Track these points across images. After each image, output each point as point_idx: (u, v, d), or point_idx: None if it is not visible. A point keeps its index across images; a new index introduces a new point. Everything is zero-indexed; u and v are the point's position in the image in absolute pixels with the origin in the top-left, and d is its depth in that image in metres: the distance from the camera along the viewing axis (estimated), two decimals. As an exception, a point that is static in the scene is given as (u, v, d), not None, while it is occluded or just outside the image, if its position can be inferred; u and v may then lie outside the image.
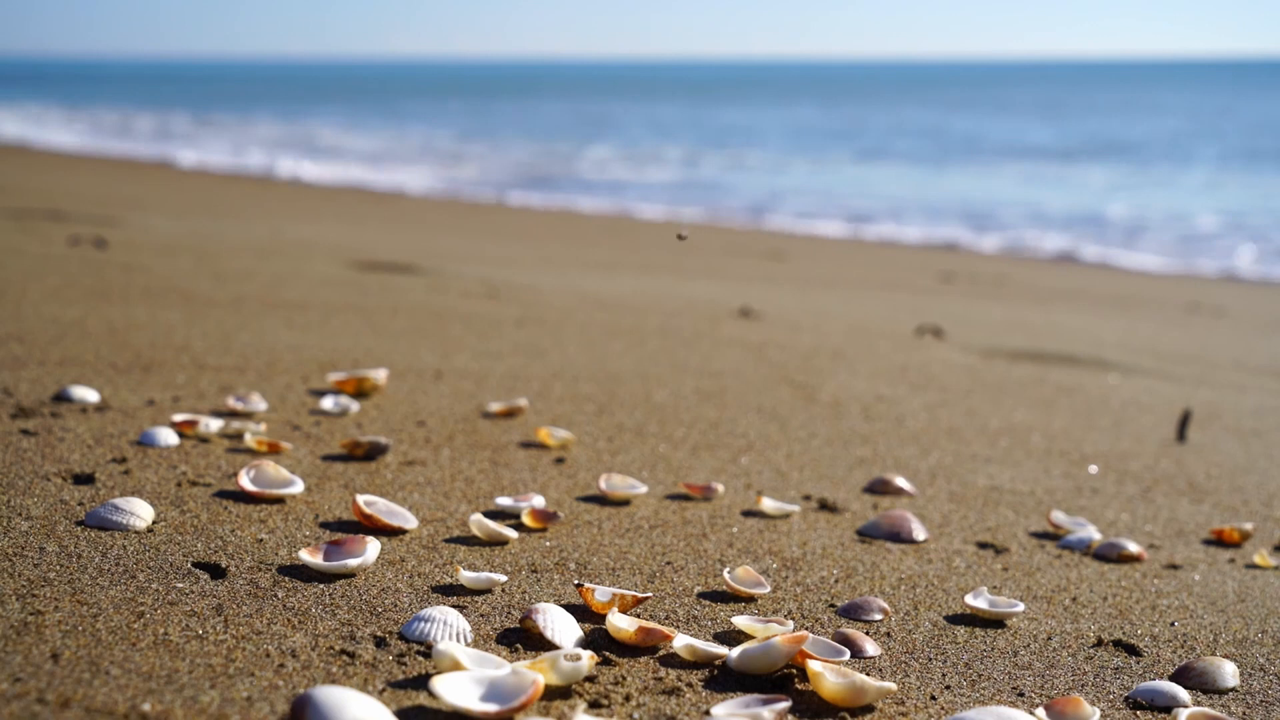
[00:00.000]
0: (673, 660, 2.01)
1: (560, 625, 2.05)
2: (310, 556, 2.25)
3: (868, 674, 2.05)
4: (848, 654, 2.08)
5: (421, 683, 1.84)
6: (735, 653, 1.99)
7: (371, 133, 32.76)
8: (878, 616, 2.31)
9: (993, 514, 3.08)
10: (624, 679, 1.92)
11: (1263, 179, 21.76)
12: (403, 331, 4.84)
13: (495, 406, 3.62)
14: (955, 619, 2.35)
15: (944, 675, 2.08)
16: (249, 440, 3.00)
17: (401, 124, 36.95)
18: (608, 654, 2.00)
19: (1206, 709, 1.99)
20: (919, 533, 2.82)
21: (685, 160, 25.33)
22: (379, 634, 2.00)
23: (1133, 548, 2.81)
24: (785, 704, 1.82)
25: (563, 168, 23.41)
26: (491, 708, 1.72)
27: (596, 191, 18.78)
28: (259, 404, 3.39)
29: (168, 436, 2.98)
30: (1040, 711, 1.90)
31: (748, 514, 2.90)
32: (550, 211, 15.70)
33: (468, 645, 1.99)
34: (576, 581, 2.35)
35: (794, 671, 2.00)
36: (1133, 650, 2.27)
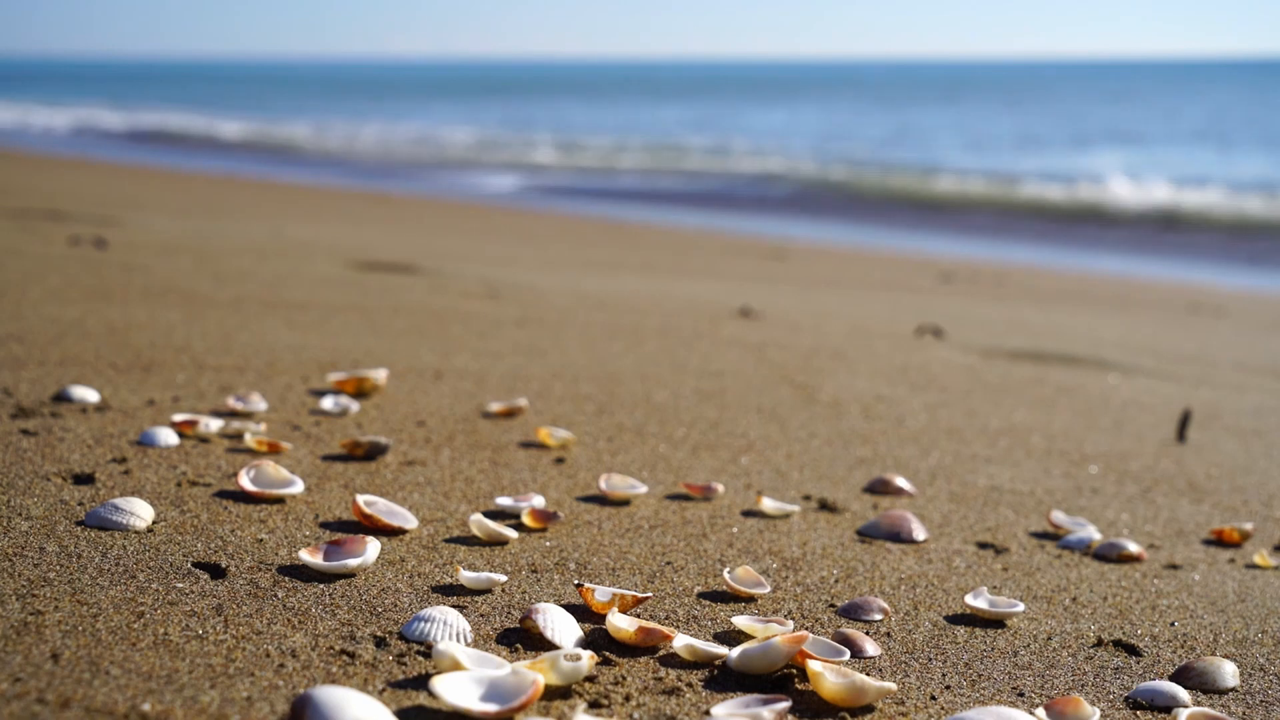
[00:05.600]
0: (673, 660, 2.01)
1: (560, 625, 2.05)
2: (310, 556, 2.25)
3: (868, 674, 2.05)
4: (848, 654, 2.08)
5: (421, 683, 1.84)
6: (735, 653, 1.99)
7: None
8: (878, 616, 2.31)
9: (993, 514, 3.08)
10: (624, 679, 1.92)
11: None
12: (403, 331, 4.84)
13: (495, 406, 3.62)
14: (955, 619, 2.35)
15: (944, 675, 2.08)
16: (249, 440, 3.00)
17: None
18: (608, 654, 2.00)
19: (1206, 709, 1.99)
20: (919, 533, 2.82)
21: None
22: (379, 634, 2.00)
23: (1133, 548, 2.81)
24: (785, 704, 1.82)
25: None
26: (491, 708, 1.72)
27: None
28: (259, 404, 3.39)
29: (168, 436, 2.98)
30: (1040, 711, 1.90)
31: (748, 514, 2.90)
32: (555, 212, 15.69)
33: (468, 645, 1.99)
34: (576, 581, 2.35)
35: (794, 671, 2.00)
36: (1133, 650, 2.27)
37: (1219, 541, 3.03)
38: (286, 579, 2.20)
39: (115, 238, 7.23)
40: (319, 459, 3.00)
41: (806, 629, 2.22)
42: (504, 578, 2.28)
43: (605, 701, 1.84)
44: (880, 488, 3.18)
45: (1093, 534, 2.91)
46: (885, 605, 2.34)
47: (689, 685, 1.93)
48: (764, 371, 4.63)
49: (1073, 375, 5.19)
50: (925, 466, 3.48)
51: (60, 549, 2.22)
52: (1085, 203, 18.76)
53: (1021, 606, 2.36)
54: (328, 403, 3.48)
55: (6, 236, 6.88)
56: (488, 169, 23.96)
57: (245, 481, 2.62)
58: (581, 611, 2.18)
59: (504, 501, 2.74)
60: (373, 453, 3.05)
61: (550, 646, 2.02)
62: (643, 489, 2.95)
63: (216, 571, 2.22)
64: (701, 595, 2.35)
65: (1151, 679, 2.14)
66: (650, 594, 2.28)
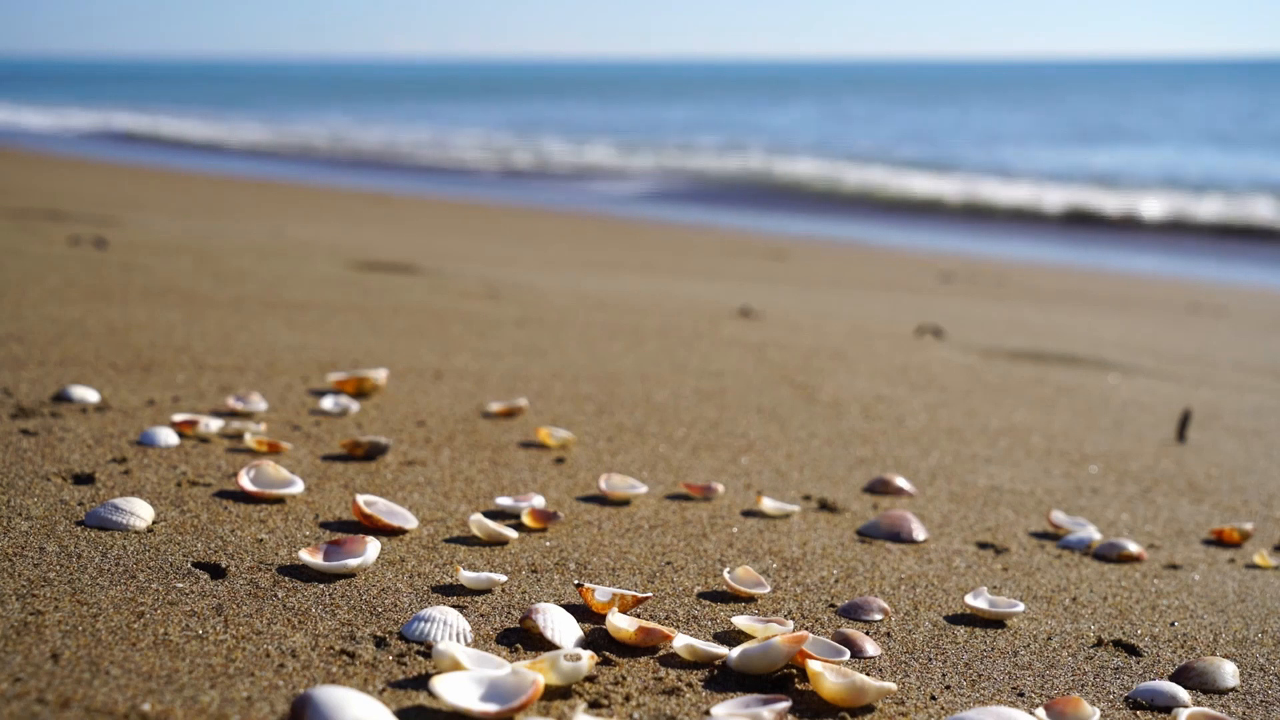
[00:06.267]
0: (673, 660, 2.01)
1: (560, 625, 2.05)
2: (310, 556, 2.25)
3: (868, 674, 2.05)
4: (848, 654, 2.08)
5: (421, 683, 1.84)
6: (735, 653, 1.99)
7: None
8: (878, 616, 2.31)
9: (993, 514, 3.08)
10: (624, 679, 1.92)
11: None
12: (403, 331, 4.84)
13: (495, 406, 3.62)
14: (955, 619, 2.35)
15: (944, 675, 2.08)
16: (249, 440, 3.00)
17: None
18: (608, 654, 2.00)
19: (1206, 709, 1.99)
20: (919, 533, 2.82)
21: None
22: (379, 634, 2.00)
23: (1133, 548, 2.81)
24: (785, 704, 1.82)
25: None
26: (491, 708, 1.72)
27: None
28: (259, 404, 3.39)
29: (168, 436, 2.98)
30: (1040, 711, 1.90)
31: (748, 514, 2.90)
32: (554, 213, 15.69)
33: (468, 645, 1.99)
34: (576, 581, 2.35)
35: (794, 671, 2.00)
36: (1133, 650, 2.27)
37: (1219, 541, 3.03)
38: (286, 579, 2.20)
39: (115, 238, 7.23)
40: (319, 459, 3.00)
41: (806, 629, 2.22)
42: (504, 578, 2.28)
43: (605, 701, 1.84)
44: (880, 488, 3.18)
45: (1093, 534, 2.91)
46: (885, 605, 2.34)
47: (689, 685, 1.93)
48: (764, 371, 4.63)
49: (1073, 375, 5.19)
50: (925, 466, 3.48)
51: (60, 549, 2.22)
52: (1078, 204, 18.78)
53: (1021, 606, 2.36)
54: (328, 403, 3.48)
55: (6, 236, 6.88)
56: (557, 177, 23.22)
57: (245, 481, 2.62)
58: (581, 611, 2.18)
59: (504, 501, 2.74)
60: (373, 453, 3.05)
61: (550, 646, 2.02)
62: (643, 489, 2.95)
63: (216, 571, 2.22)
64: (701, 595, 2.35)
65: (1151, 679, 2.14)
66: (650, 594, 2.28)
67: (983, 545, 2.83)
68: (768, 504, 2.90)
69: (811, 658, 1.99)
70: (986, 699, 2.01)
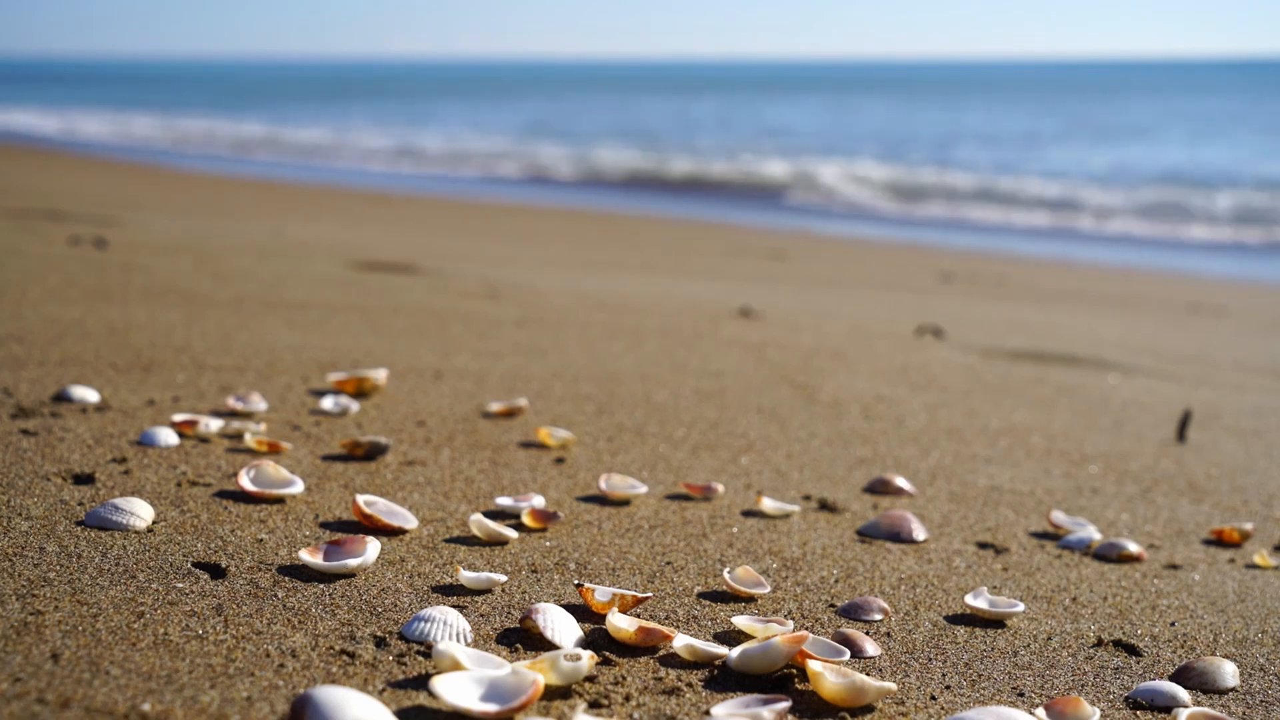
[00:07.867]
0: (673, 660, 2.01)
1: (560, 625, 2.05)
2: (310, 556, 2.25)
3: (868, 674, 2.05)
4: (848, 654, 2.08)
5: (421, 683, 1.84)
6: (735, 653, 1.99)
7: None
8: (878, 616, 2.31)
9: (993, 514, 3.08)
10: (624, 679, 1.92)
11: None
12: (403, 331, 4.84)
13: (495, 406, 3.62)
14: (955, 619, 2.35)
15: (944, 675, 2.08)
16: (249, 440, 3.00)
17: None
18: (608, 654, 2.00)
19: (1206, 709, 1.99)
20: (919, 533, 2.82)
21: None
22: (379, 634, 2.00)
23: (1133, 548, 2.81)
24: (785, 704, 1.82)
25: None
26: (491, 708, 1.72)
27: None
28: (259, 404, 3.39)
29: (168, 436, 2.98)
30: (1040, 711, 1.90)
31: (748, 514, 2.90)
32: (555, 211, 15.69)
33: (468, 645, 1.99)
34: (576, 581, 2.35)
35: (794, 671, 2.00)
36: (1133, 650, 2.27)
37: (1219, 541, 3.03)
38: (286, 579, 2.20)
39: (115, 238, 7.23)
40: (319, 459, 3.00)
41: (806, 629, 2.22)
42: (504, 578, 2.28)
43: (605, 701, 1.84)
44: (880, 488, 3.18)
45: (1093, 534, 2.91)
46: (885, 605, 2.34)
47: (689, 685, 1.93)
48: (764, 371, 4.63)
49: (1073, 375, 5.19)
50: (925, 466, 3.48)
51: (60, 549, 2.22)
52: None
53: (1021, 606, 2.36)
54: (328, 403, 3.48)
55: (6, 236, 6.88)
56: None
57: (245, 481, 2.62)
58: (581, 611, 2.18)
59: (504, 501, 2.74)
60: (373, 453, 3.05)
61: (550, 646, 2.02)
62: (643, 489, 2.95)
63: (216, 571, 2.22)
64: (701, 595, 2.35)
65: (1151, 679, 2.14)
66: (650, 594, 2.28)
67: (983, 545, 2.83)
68: (768, 504, 2.90)
69: (811, 658, 1.99)
70: (986, 699, 2.01)
